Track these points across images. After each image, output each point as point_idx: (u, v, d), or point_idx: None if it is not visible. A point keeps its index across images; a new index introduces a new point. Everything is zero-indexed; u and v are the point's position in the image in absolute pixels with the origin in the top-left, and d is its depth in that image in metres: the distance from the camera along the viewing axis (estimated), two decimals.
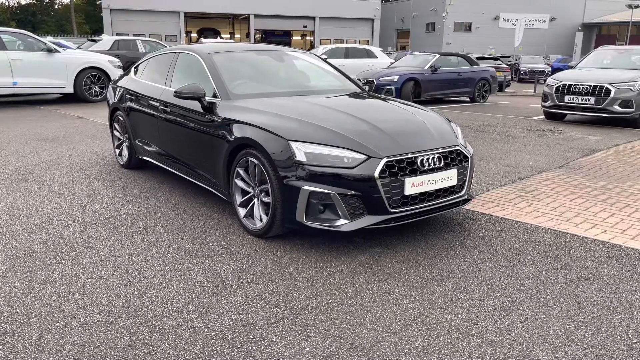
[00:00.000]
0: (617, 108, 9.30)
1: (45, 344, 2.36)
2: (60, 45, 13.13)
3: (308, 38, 43.98)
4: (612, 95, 9.28)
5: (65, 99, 12.35)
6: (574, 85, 9.78)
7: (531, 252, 3.51)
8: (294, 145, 3.33)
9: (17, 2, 60.35)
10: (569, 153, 7.01)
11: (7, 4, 59.52)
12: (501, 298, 2.85)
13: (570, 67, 12.02)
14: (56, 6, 63.35)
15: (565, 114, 10.42)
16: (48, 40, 14.46)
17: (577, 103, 9.74)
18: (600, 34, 46.25)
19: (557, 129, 9.36)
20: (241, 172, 3.74)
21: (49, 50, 11.07)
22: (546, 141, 7.96)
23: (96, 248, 3.47)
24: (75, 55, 11.89)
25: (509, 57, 30.19)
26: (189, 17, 39.25)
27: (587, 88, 9.58)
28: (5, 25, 41.21)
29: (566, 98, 9.88)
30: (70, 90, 11.47)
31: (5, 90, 10.67)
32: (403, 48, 46.21)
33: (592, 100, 9.51)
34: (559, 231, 3.92)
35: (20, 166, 5.74)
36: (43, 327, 2.49)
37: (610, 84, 9.36)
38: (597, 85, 9.46)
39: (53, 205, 4.37)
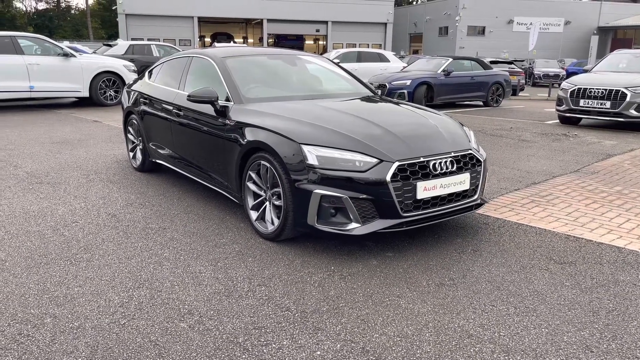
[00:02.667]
0: (633, 112, 9.18)
1: (58, 344, 2.38)
2: (76, 50, 13.30)
3: (321, 42, 44.09)
4: (628, 99, 9.17)
5: (80, 103, 12.52)
6: (589, 89, 9.67)
7: (545, 257, 3.48)
8: (305, 148, 3.34)
9: (35, 8, 61.36)
10: (584, 157, 6.93)
11: (24, 9, 60.57)
12: (514, 303, 2.82)
13: (586, 71, 11.91)
14: (73, 11, 64.26)
15: (580, 118, 10.32)
16: (64, 45, 14.67)
17: (592, 107, 9.63)
18: (615, 38, 45.74)
19: (571, 133, 9.26)
20: (253, 175, 3.75)
21: (65, 55, 11.24)
22: (561, 145, 7.88)
23: (110, 250, 3.50)
24: (91, 60, 12.05)
25: (523, 61, 29.96)
26: (203, 21, 39.57)
27: (602, 92, 9.48)
28: (23, 30, 41.89)
29: (581, 102, 9.78)
30: (86, 94, 11.62)
31: (22, 94, 10.85)
32: (416, 52, 46.10)
33: (608, 104, 9.40)
34: (574, 236, 3.88)
35: (36, 169, 5.82)
36: (57, 328, 2.51)
37: (626, 87, 9.24)
38: (613, 89, 9.35)
39: (68, 208, 4.42)
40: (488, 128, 9.82)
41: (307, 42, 44.27)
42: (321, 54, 26.93)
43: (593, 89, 9.63)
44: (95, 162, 6.23)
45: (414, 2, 65.49)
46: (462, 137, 3.81)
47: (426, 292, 2.94)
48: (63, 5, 62.90)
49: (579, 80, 10.16)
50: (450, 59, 14.00)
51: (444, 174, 3.44)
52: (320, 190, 3.24)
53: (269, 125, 3.64)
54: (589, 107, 9.68)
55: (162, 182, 5.32)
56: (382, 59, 18.81)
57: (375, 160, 3.27)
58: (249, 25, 45.37)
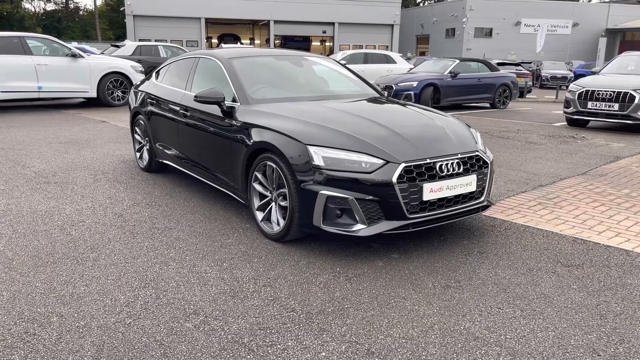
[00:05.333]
0: None
1: (64, 343, 2.39)
2: (84, 51, 13.39)
3: (327, 44, 44.10)
4: (636, 101, 9.10)
5: (88, 103, 12.59)
6: (597, 91, 9.62)
7: (552, 260, 3.45)
8: (311, 149, 3.34)
9: (43, 9, 61.76)
10: (591, 160, 6.89)
11: (33, 10, 60.99)
12: (521, 306, 2.80)
13: (594, 73, 11.84)
14: (81, 12, 64.58)
15: (588, 121, 10.25)
16: (72, 45, 14.75)
17: (600, 109, 9.58)
18: (624, 40, 45.46)
19: (579, 135, 9.21)
20: (259, 176, 3.75)
21: (73, 56, 11.30)
22: (568, 148, 7.84)
23: (116, 250, 3.51)
24: (99, 61, 12.12)
25: (530, 62, 29.83)
26: (210, 23, 39.68)
27: (610, 94, 9.42)
28: (32, 31, 42.17)
29: (589, 104, 9.73)
30: (94, 94, 11.69)
31: (30, 95, 10.92)
32: (422, 54, 46.02)
33: (616, 106, 9.34)
34: (581, 239, 3.85)
35: (43, 169, 5.85)
36: (63, 327, 2.52)
37: (634, 90, 9.18)
38: (621, 92, 9.29)
39: (75, 207, 4.44)
40: (495, 130, 9.79)
41: (313, 43, 44.27)
42: (328, 55, 26.93)
43: (601, 91, 9.57)
44: (103, 162, 6.26)
45: (421, 4, 65.40)
46: (469, 139, 3.79)
47: (432, 294, 2.93)
48: (71, 6, 63.28)
49: (587, 83, 10.11)
50: (457, 61, 13.97)
51: (451, 176, 3.43)
52: (326, 191, 3.24)
53: (275, 126, 3.64)
54: (597, 110, 9.62)
55: (168, 182, 5.34)
56: (388, 60, 18.80)
57: (381, 162, 3.27)
58: (256, 27, 45.44)
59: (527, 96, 18.85)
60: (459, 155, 3.51)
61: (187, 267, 3.25)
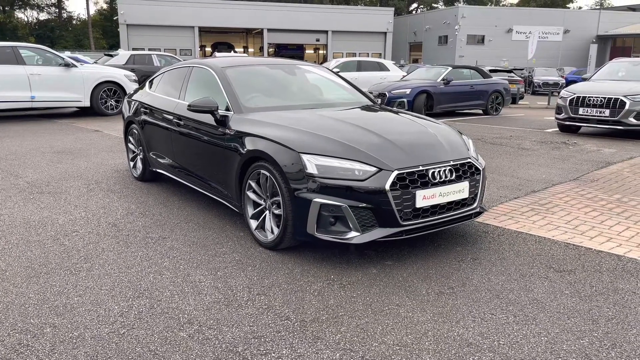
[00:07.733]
0: (632, 120, 9.20)
1: (58, 354, 2.38)
2: (77, 60, 13.38)
3: (321, 52, 44.28)
4: (627, 107, 9.19)
5: (81, 113, 12.57)
6: (588, 97, 9.70)
7: (544, 265, 3.48)
8: (305, 157, 3.35)
9: (36, 18, 61.69)
10: (583, 166, 6.95)
11: (26, 19, 60.89)
12: (514, 312, 2.82)
13: (585, 79, 11.95)
14: (74, 22, 64.54)
15: (580, 127, 10.35)
16: (66, 55, 14.75)
17: (591, 115, 9.66)
18: (615, 46, 45.92)
19: (571, 141, 9.29)
20: (253, 184, 3.77)
21: (67, 65, 11.30)
22: (560, 154, 7.90)
23: (110, 259, 3.50)
24: (92, 70, 12.12)
25: (522, 69, 30.07)
26: (204, 31, 39.77)
27: (601, 100, 9.51)
28: (25, 41, 42.09)
29: (580, 110, 9.81)
30: (87, 104, 11.67)
31: (23, 104, 10.90)
32: (415, 61, 46.28)
33: (607, 112, 9.43)
34: (573, 244, 3.88)
35: (37, 178, 5.84)
36: (56, 338, 2.51)
37: (625, 96, 9.27)
38: (612, 98, 9.38)
39: (68, 217, 4.43)
40: (488, 136, 9.85)
41: (307, 51, 44.45)
42: (321, 63, 27.05)
43: (592, 97, 9.65)
44: (96, 171, 6.25)
45: (414, 12, 65.86)
46: (461, 146, 3.82)
47: (426, 301, 2.94)
48: (65, 15, 63.25)
49: (578, 89, 10.20)
50: (450, 68, 14.06)
51: (443, 183, 3.45)
52: (320, 199, 3.25)
53: (269, 135, 3.66)
54: (588, 116, 9.70)
55: (162, 191, 5.33)
56: (382, 68, 18.89)
57: (374, 169, 3.29)
58: (250, 35, 45.60)
59: (519, 102, 18.99)
60: (451, 162, 3.54)
61: (181, 276, 3.25)
